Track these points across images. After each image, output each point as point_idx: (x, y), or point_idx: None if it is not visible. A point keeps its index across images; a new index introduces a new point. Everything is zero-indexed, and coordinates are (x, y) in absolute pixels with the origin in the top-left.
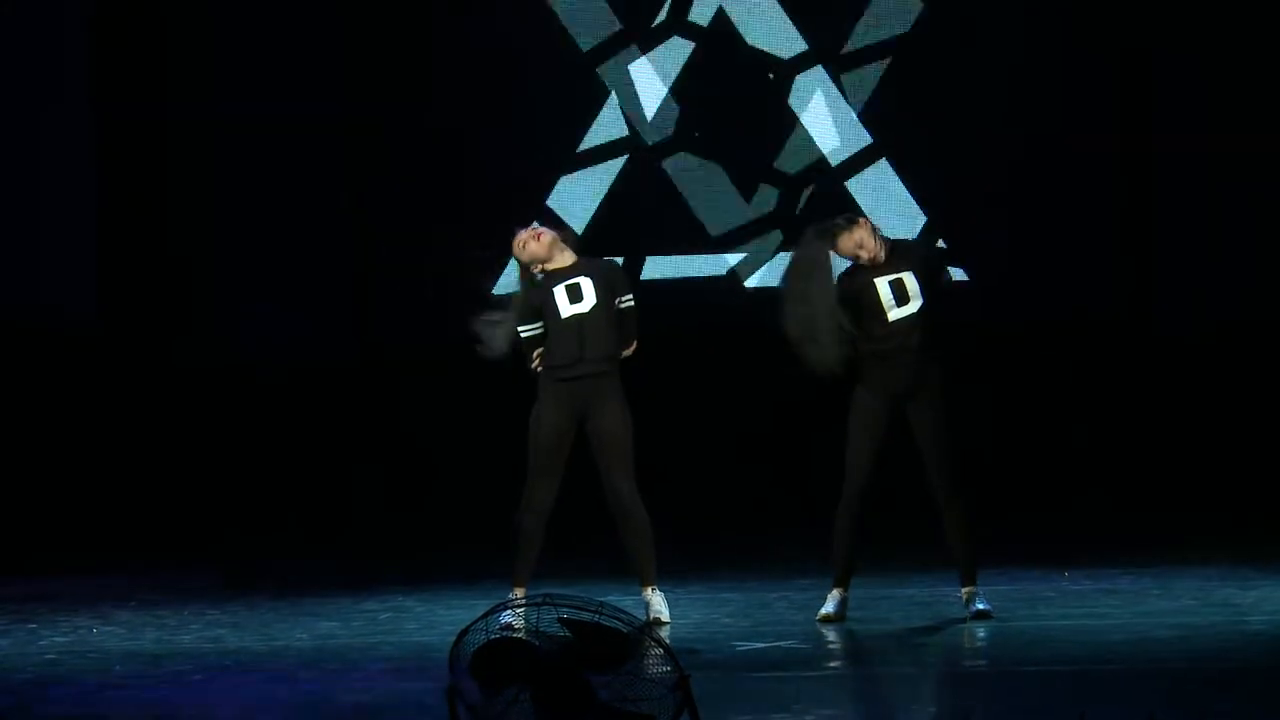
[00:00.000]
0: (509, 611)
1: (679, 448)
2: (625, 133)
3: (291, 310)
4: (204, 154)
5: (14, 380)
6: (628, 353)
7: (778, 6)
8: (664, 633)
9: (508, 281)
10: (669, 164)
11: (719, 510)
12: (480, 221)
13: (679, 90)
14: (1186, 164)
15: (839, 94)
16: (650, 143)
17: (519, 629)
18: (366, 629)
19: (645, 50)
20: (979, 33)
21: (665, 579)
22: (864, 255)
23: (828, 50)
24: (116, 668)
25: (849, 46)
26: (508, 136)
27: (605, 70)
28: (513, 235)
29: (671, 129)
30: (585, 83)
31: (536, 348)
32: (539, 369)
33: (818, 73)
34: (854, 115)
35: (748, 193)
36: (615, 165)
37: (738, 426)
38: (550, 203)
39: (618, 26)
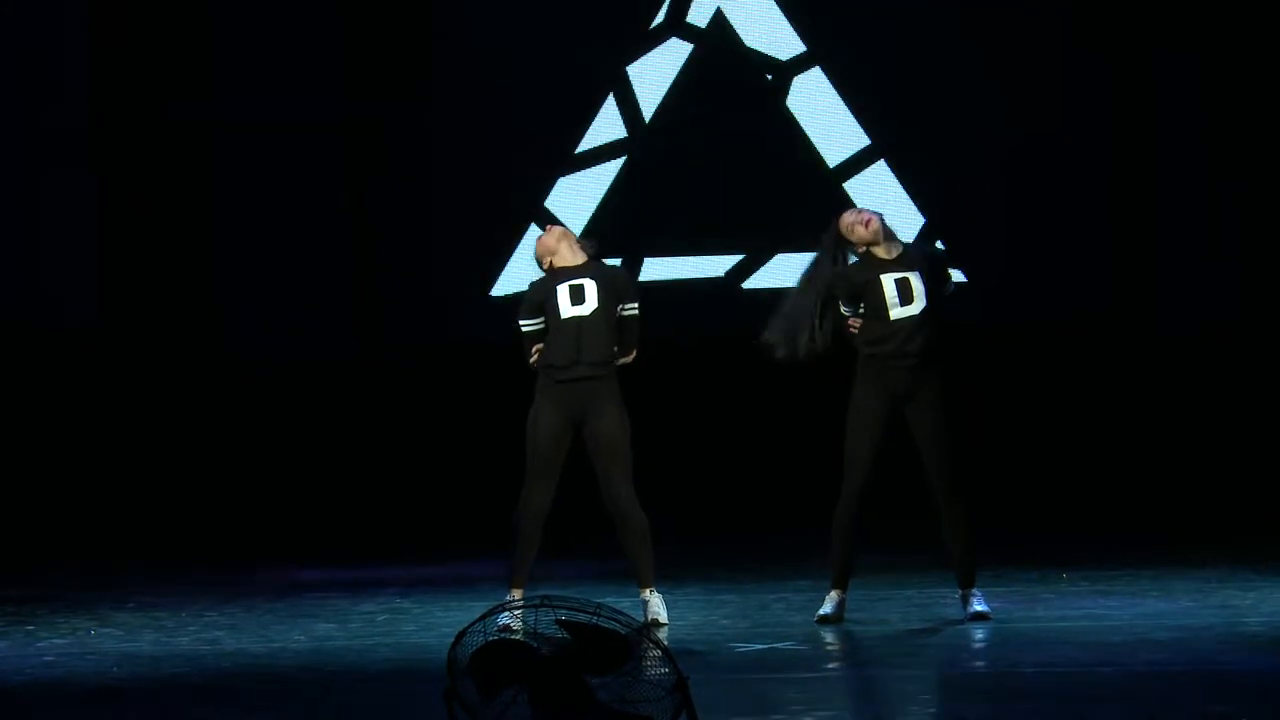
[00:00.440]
0: (507, 613)
1: (676, 450)
2: (624, 134)
3: (291, 310)
4: (204, 154)
5: (14, 380)
6: (626, 360)
7: (776, 8)
8: (662, 634)
9: (508, 282)
10: (667, 165)
11: (717, 512)
12: (480, 221)
13: (677, 91)
14: (1186, 164)
15: (837, 95)
16: (648, 144)
17: (517, 630)
18: (364, 630)
19: (644, 51)
20: (979, 33)
21: (663, 581)
22: (863, 232)
23: (826, 51)
24: (114, 669)
25: (847, 48)
26: (508, 136)
27: (604, 71)
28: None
29: (670, 130)
30: (584, 83)
31: (536, 343)
32: (536, 365)
33: (816, 74)
34: (852, 116)
35: (746, 194)
36: (614, 166)
37: (735, 429)
38: (549, 203)
39: (617, 27)
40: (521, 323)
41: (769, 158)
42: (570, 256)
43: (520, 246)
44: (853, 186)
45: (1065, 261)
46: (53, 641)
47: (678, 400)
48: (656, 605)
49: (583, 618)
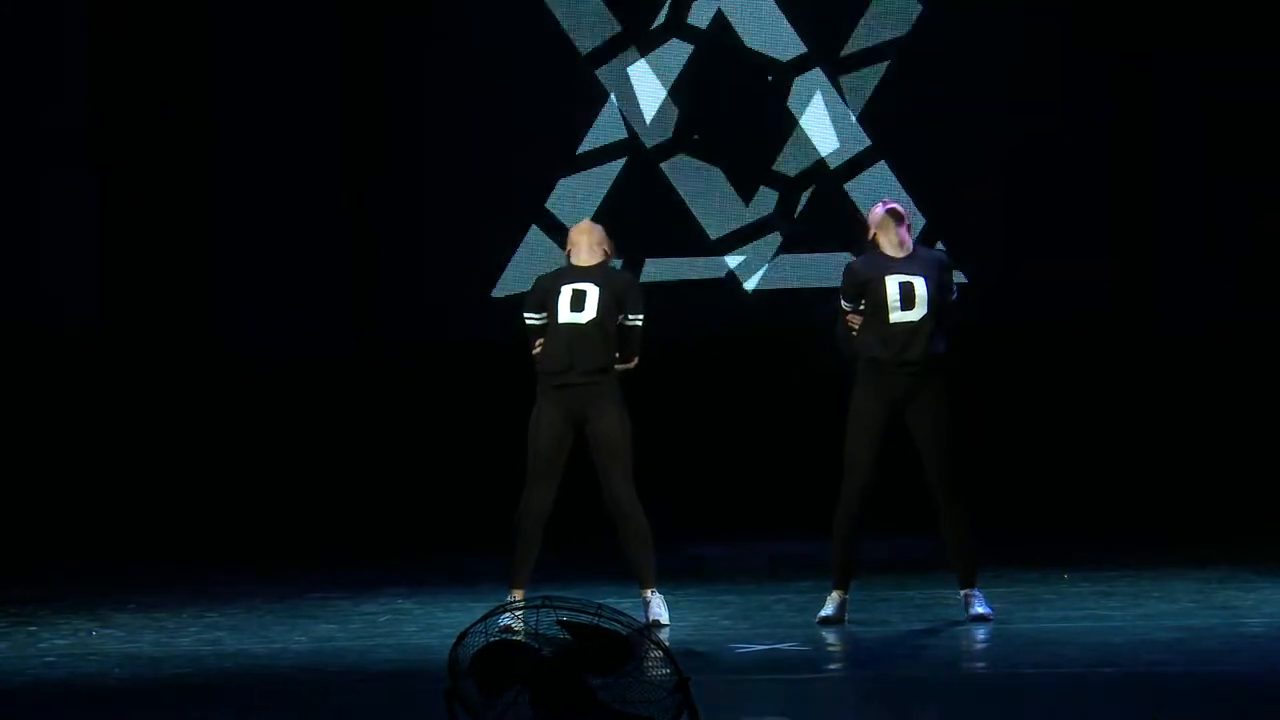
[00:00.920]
0: (509, 614)
1: (678, 450)
2: (624, 135)
3: (291, 310)
4: (204, 154)
5: (14, 380)
6: (626, 368)
7: (776, 9)
8: (663, 635)
9: (509, 282)
10: (668, 166)
11: (718, 513)
12: (481, 222)
13: (678, 92)
14: (1187, 164)
15: (838, 96)
16: (649, 145)
17: (519, 631)
18: (365, 631)
19: (644, 52)
20: (979, 33)
21: (664, 582)
22: (875, 212)
23: (827, 52)
24: (116, 670)
25: (848, 48)
26: (508, 138)
27: (604, 72)
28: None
29: (670, 131)
30: (584, 85)
31: (539, 337)
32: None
33: (816, 75)
34: (853, 117)
35: (747, 195)
36: (614, 167)
37: (737, 429)
38: (549, 204)
39: (617, 28)
40: (526, 315)
41: (769, 158)
42: (586, 256)
43: (521, 247)
44: (853, 187)
45: (1065, 261)
46: (54, 642)
47: (678, 401)
48: (657, 606)
49: (584, 618)
